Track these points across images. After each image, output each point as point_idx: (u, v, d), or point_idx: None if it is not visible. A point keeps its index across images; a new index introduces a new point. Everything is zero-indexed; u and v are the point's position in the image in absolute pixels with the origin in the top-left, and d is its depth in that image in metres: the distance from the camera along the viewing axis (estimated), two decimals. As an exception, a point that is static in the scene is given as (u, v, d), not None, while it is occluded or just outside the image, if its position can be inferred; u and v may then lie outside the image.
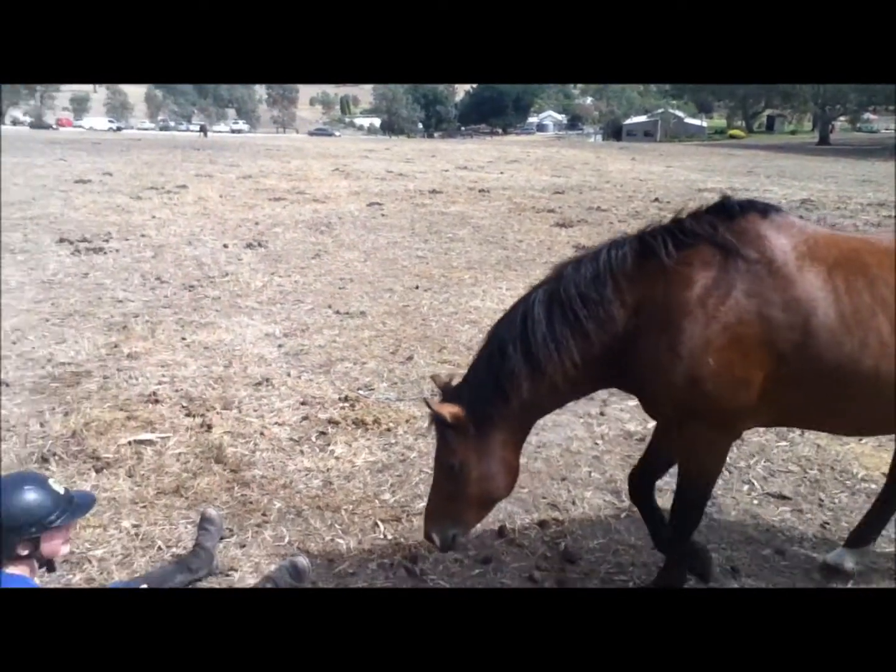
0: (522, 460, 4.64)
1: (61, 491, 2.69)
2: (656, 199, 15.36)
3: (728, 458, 4.73)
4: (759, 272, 2.79)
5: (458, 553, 3.79)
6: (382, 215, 13.71)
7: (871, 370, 2.76)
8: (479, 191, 17.09)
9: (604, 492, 4.43)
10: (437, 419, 3.03)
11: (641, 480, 3.49)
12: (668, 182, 18.13)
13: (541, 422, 5.04)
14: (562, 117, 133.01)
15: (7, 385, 5.72)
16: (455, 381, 3.18)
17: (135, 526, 3.99)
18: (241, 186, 16.49)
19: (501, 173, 19.50)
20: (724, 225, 2.90)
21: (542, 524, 4.08)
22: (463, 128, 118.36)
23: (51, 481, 2.71)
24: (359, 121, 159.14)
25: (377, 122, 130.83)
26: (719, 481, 4.50)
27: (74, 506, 2.71)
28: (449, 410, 2.98)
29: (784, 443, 5.04)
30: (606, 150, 28.04)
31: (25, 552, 2.57)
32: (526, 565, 3.71)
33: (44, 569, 2.74)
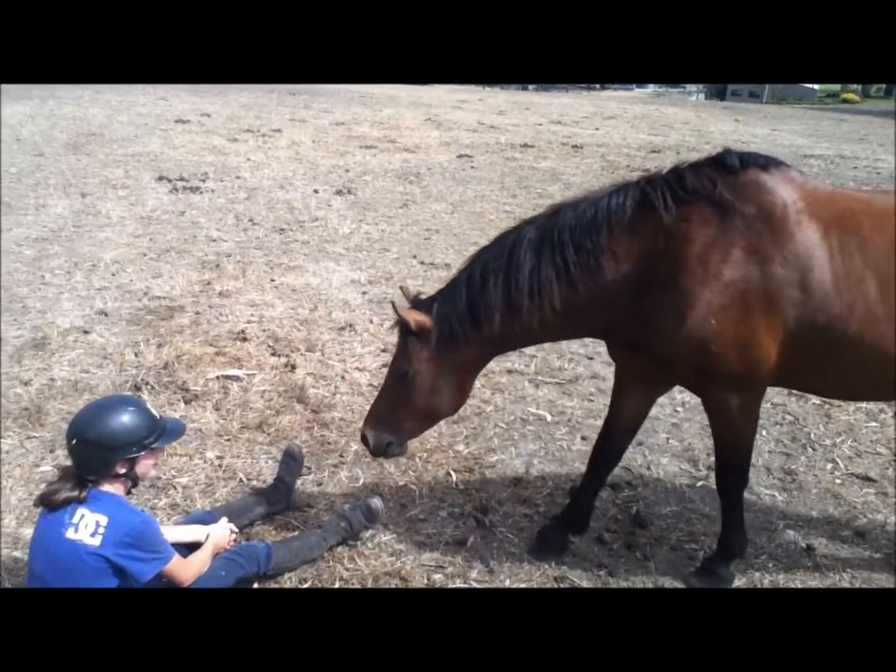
0: (599, 422, 4.64)
1: (157, 415, 2.82)
2: (758, 164, 14.74)
3: (812, 436, 4.61)
4: (758, 228, 2.73)
5: (528, 508, 3.82)
6: (472, 167, 13.60)
7: (856, 335, 2.70)
8: (573, 147, 16.72)
9: (680, 459, 4.37)
10: (402, 324, 3.04)
11: (604, 449, 3.46)
12: (772, 146, 17.31)
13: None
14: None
15: (106, 315, 6.00)
16: (424, 296, 3.18)
17: (218, 457, 4.16)
18: (333, 133, 16.59)
19: (596, 129, 19.01)
20: (723, 179, 2.82)
21: (614, 487, 4.06)
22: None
23: (148, 405, 2.85)
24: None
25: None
26: (802, 457, 4.38)
27: (168, 430, 2.85)
28: (415, 317, 2.98)
29: (874, 423, 4.84)
30: (708, 110, 26.94)
31: (123, 471, 2.72)
32: (595, 526, 3.71)
33: (133, 488, 2.91)
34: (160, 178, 10.88)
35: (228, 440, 4.32)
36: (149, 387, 4.82)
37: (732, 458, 3.12)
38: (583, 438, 4.51)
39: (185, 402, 4.67)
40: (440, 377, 3.06)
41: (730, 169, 2.85)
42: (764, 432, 4.66)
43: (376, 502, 3.53)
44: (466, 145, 15.82)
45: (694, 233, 2.75)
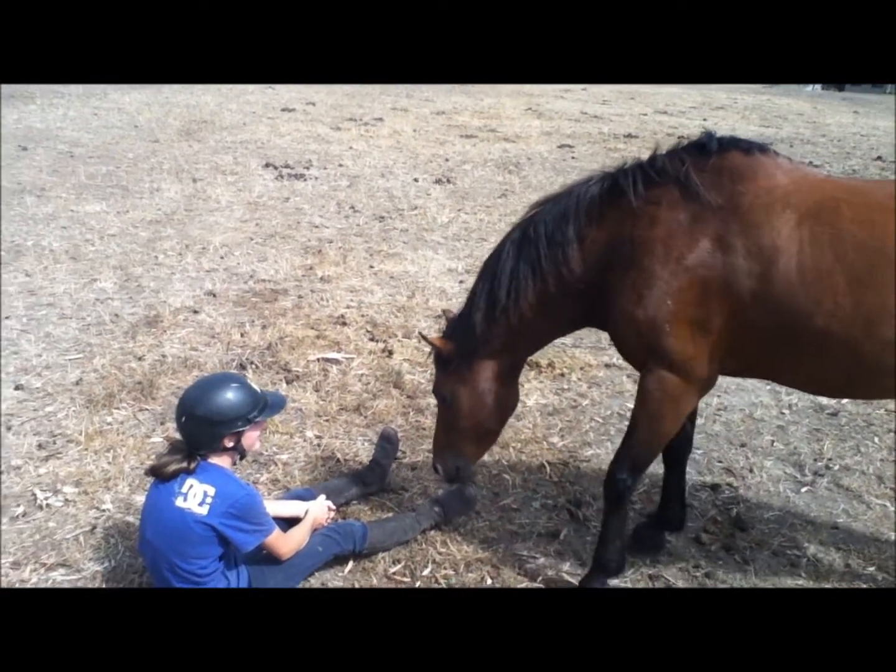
0: (700, 421, 4.53)
1: (258, 390, 2.93)
2: (878, 158, 13.91)
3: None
4: (724, 215, 2.64)
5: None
6: (573, 158, 13.41)
7: (822, 330, 2.55)
8: (679, 138, 16.24)
9: (785, 463, 4.21)
10: (433, 352, 3.24)
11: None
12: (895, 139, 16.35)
13: (722, 384, 4.87)
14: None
15: (214, 296, 6.23)
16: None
17: (317, 437, 4.27)
18: (434, 122, 16.67)
19: (704, 120, 18.38)
20: (696, 163, 2.73)
21: (715, 487, 3.95)
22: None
23: (251, 382, 2.97)
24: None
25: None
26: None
27: (270, 404, 2.96)
28: (438, 341, 3.18)
29: None
30: (825, 101, 25.63)
31: (230, 444, 2.84)
32: (693, 526, 3.62)
33: (240, 460, 3.02)
34: (267, 165, 11.19)
35: (327, 421, 4.43)
36: (253, 366, 4.99)
37: (638, 452, 2.98)
38: (682, 436, 4.39)
39: (287, 383, 4.81)
40: (474, 393, 3.16)
41: (706, 152, 2.77)
42: (876, 439, 4.44)
43: (471, 490, 3.55)
44: (568, 135, 15.61)
45: (659, 215, 2.72)
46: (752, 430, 4.54)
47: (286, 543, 2.96)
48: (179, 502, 2.73)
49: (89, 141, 12.22)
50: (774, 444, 4.40)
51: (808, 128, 18.05)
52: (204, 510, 2.72)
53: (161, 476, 2.80)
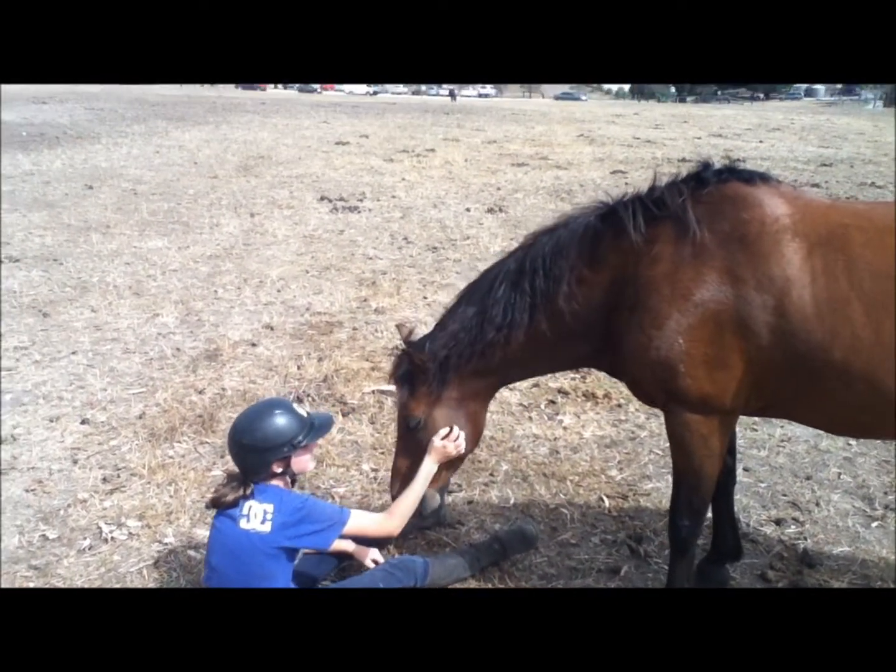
0: (763, 453, 4.42)
1: (304, 413, 2.95)
2: (943, 175, 13.53)
3: None
4: (731, 247, 2.53)
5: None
6: (626, 184, 13.35)
7: (840, 363, 2.42)
8: (734, 161, 16.08)
9: (853, 496, 4.05)
10: (399, 374, 3.05)
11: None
12: (960, 156, 15.87)
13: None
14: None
15: (272, 329, 6.34)
16: (420, 335, 3.17)
17: (373, 469, 4.28)
18: (485, 151, 16.81)
19: (760, 142, 18.15)
20: (696, 195, 2.64)
21: (780, 522, 3.83)
22: (720, 92, 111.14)
23: (295, 404, 2.98)
24: (607, 85, 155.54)
25: (626, 86, 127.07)
26: None
27: (317, 426, 2.97)
28: (417, 356, 2.96)
29: None
30: (887, 119, 25.03)
31: (279, 470, 2.87)
32: (759, 563, 3.51)
33: (294, 483, 3.05)
34: (321, 199, 11.41)
35: (383, 453, 4.44)
36: (310, 399, 5.04)
37: (689, 496, 2.86)
38: (745, 469, 4.28)
39: (343, 415, 4.85)
40: (449, 416, 3.05)
41: (705, 183, 2.69)
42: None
43: (531, 529, 3.51)
44: (620, 161, 15.56)
45: (662, 252, 2.62)
46: (817, 462, 4.39)
47: (389, 517, 2.98)
48: (243, 524, 2.77)
49: (151, 178, 12.64)
50: (841, 476, 4.25)
51: (870, 147, 17.64)
52: (267, 527, 2.76)
53: (220, 507, 2.85)
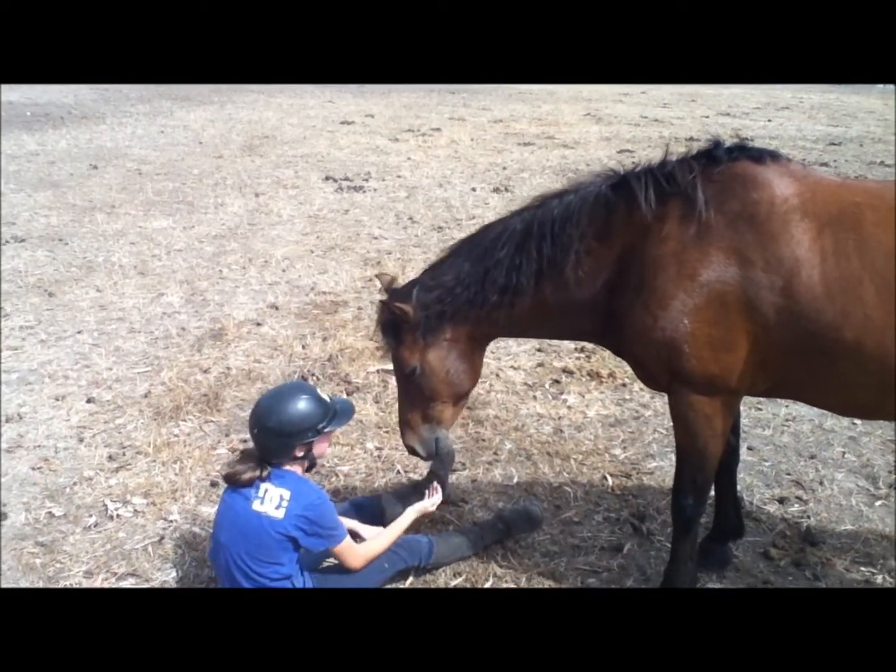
0: (767, 432, 4.42)
1: (328, 399, 2.96)
2: (954, 154, 13.37)
3: None
4: (739, 227, 2.51)
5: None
6: (633, 163, 13.26)
7: (852, 343, 2.40)
8: (742, 139, 15.90)
9: (857, 475, 4.06)
10: (386, 324, 3.02)
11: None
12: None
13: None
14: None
15: (277, 308, 6.34)
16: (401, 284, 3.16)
17: (378, 448, 4.30)
18: (491, 130, 16.67)
19: (769, 121, 17.94)
20: (706, 173, 2.62)
21: (783, 501, 3.84)
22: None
23: (319, 391, 2.98)
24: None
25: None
26: None
27: (339, 413, 2.98)
28: (409, 307, 2.91)
29: None
30: (896, 97, 24.76)
31: (301, 454, 2.88)
32: (762, 541, 3.52)
33: (312, 468, 3.05)
34: (326, 178, 11.35)
35: (387, 432, 4.45)
36: (314, 378, 5.05)
37: (692, 475, 2.87)
38: (749, 448, 4.28)
39: (348, 394, 4.86)
40: (446, 359, 3.01)
41: (716, 161, 2.66)
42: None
43: (536, 509, 3.52)
44: (627, 140, 15.43)
45: (670, 230, 2.60)
46: (821, 441, 4.39)
47: (359, 554, 2.96)
48: (257, 506, 2.78)
49: (156, 158, 12.59)
50: (846, 455, 4.24)
51: (880, 125, 17.43)
52: (280, 513, 2.77)
53: (236, 484, 2.85)
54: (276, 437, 2.81)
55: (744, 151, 2.71)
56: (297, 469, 2.92)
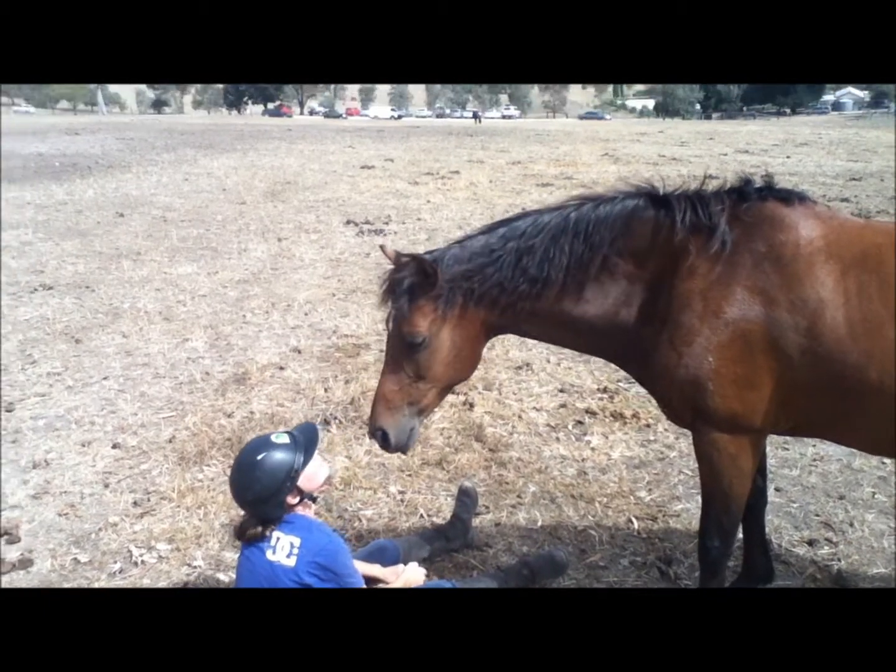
0: (795, 472, 4.36)
1: (286, 440, 2.84)
2: (977, 187, 13.31)
3: None
4: (765, 268, 2.52)
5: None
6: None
7: (876, 384, 2.39)
8: (762, 177, 15.92)
9: (888, 516, 3.97)
10: (405, 281, 2.77)
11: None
12: None
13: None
14: (864, 94, 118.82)
15: (299, 352, 6.39)
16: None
17: (400, 492, 4.28)
18: (510, 172, 16.87)
19: (788, 157, 18.02)
20: (735, 210, 2.62)
21: (812, 543, 3.76)
22: (745, 108, 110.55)
23: (273, 437, 2.86)
24: (631, 103, 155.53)
25: (650, 103, 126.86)
26: None
27: (304, 441, 2.86)
28: (433, 267, 2.72)
29: None
30: (915, 131, 24.73)
31: (295, 500, 2.85)
32: (792, 584, 3.44)
33: (314, 502, 3.00)
34: (348, 222, 11.52)
35: (410, 475, 4.44)
36: (337, 421, 5.06)
37: (718, 517, 2.82)
38: (777, 490, 4.21)
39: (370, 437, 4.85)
40: (458, 338, 2.84)
41: (746, 199, 2.67)
42: None
43: (561, 555, 3.47)
44: (646, 179, 15.52)
45: (698, 265, 2.60)
46: (851, 481, 4.32)
47: None
48: (269, 555, 2.77)
49: (181, 205, 12.85)
50: (875, 496, 4.16)
51: (900, 160, 17.40)
52: (291, 562, 2.74)
53: (243, 539, 2.84)
54: (262, 505, 2.78)
55: (772, 192, 2.73)
56: (305, 511, 2.90)
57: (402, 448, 2.97)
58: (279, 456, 2.78)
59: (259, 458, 2.76)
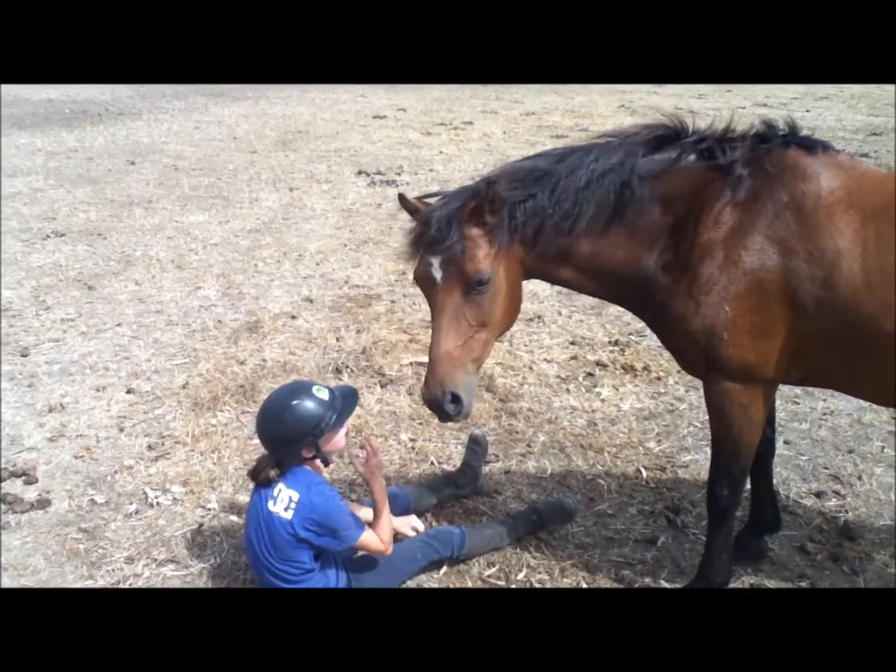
0: (804, 426, 4.37)
1: (325, 396, 2.89)
2: None
3: None
4: (786, 217, 2.50)
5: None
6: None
7: (891, 334, 2.38)
8: (785, 122, 15.61)
9: (897, 470, 3.99)
10: (470, 207, 2.57)
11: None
12: None
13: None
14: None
15: (311, 301, 6.40)
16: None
17: (411, 440, 4.33)
18: (524, 123, 16.59)
19: (807, 111, 17.61)
20: (759, 158, 2.60)
21: (820, 495, 3.80)
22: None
23: (314, 389, 2.90)
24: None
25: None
26: None
27: (341, 405, 2.91)
28: (499, 196, 2.56)
29: None
30: (938, 85, 24.15)
31: (309, 455, 2.89)
32: (798, 535, 3.49)
33: (326, 465, 3.05)
34: (359, 172, 11.40)
35: (420, 424, 4.47)
36: (349, 370, 5.10)
37: (728, 466, 2.84)
38: (786, 442, 4.23)
39: (381, 386, 4.89)
40: (511, 280, 2.70)
41: (771, 147, 2.64)
42: None
43: (570, 502, 3.52)
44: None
45: (721, 214, 2.58)
46: (860, 435, 4.33)
47: (381, 540, 2.94)
48: (271, 505, 2.83)
49: (192, 154, 12.75)
50: (885, 450, 4.18)
51: (922, 115, 17.02)
52: (289, 515, 2.80)
53: (256, 482, 2.91)
54: (279, 445, 2.85)
55: (797, 139, 2.69)
56: (314, 466, 2.95)
57: (470, 412, 2.75)
58: (312, 408, 2.82)
59: (293, 402, 2.82)
